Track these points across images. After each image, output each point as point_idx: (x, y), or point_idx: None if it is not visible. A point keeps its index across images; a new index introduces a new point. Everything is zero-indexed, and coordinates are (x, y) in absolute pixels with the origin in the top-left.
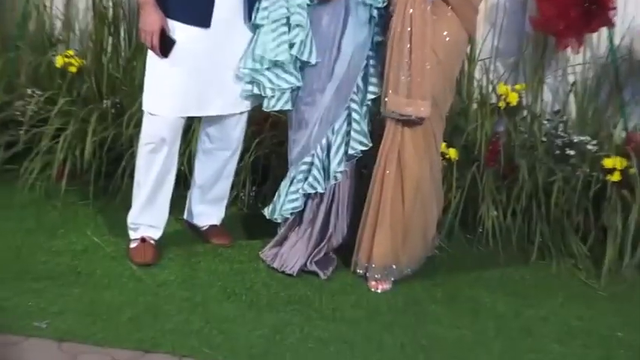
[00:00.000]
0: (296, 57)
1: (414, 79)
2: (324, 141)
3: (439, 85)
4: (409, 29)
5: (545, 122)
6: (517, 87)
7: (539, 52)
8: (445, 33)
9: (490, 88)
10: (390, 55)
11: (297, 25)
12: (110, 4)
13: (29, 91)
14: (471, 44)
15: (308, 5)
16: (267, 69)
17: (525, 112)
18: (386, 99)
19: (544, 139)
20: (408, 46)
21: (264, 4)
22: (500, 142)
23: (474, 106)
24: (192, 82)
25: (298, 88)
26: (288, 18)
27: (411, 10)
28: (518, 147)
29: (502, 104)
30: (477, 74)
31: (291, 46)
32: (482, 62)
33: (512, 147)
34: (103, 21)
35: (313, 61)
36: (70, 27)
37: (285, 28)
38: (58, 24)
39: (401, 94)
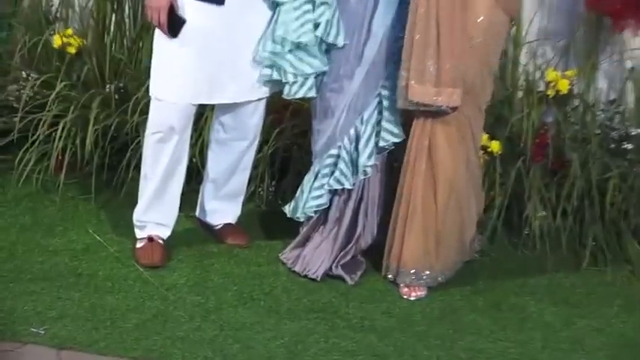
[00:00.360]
0: (321, 39)
1: (442, 65)
2: (352, 131)
3: (474, 71)
4: (435, 10)
5: (600, 112)
6: (568, 73)
7: (592, 34)
8: (478, 12)
9: (538, 75)
10: (412, 39)
11: (323, 3)
12: None
13: (24, 74)
14: (515, 25)
15: None
16: (289, 52)
17: (577, 101)
18: (406, 89)
19: (598, 131)
20: (435, 30)
21: None
22: (549, 134)
23: (520, 94)
24: (205, 65)
25: (323, 73)
26: None
27: (435, 12)
28: (568, 140)
29: (551, 92)
30: (522, 59)
31: (316, 26)
32: (529, 45)
33: (562, 140)
34: None
35: (340, 43)
36: (69, 3)
37: (309, 6)
38: (56, 0)
39: (428, 83)
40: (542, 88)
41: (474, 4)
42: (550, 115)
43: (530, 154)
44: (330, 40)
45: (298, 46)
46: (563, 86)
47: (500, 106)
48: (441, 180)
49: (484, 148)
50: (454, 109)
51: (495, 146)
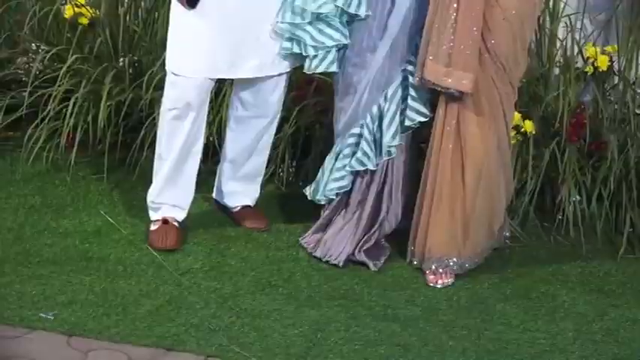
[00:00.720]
0: (342, 9)
1: (456, 45)
2: (375, 109)
3: (507, 44)
4: None
5: None
6: (608, 49)
7: (635, 8)
8: None
9: (575, 50)
10: (434, 12)
11: None
12: None
13: (34, 46)
14: None
15: None
16: (309, 23)
17: (617, 79)
18: (422, 65)
19: (638, 110)
20: (455, 5)
21: None
22: (586, 113)
23: (556, 70)
24: (223, 38)
25: (345, 46)
26: None
27: None
28: (607, 120)
29: (589, 69)
30: (560, 33)
31: None
32: (567, 19)
33: (599, 120)
34: None
35: (362, 14)
36: None
37: None
38: None
39: (441, 62)
40: (580, 64)
41: None
42: (588, 94)
43: (566, 134)
44: (352, 10)
45: (318, 17)
46: (603, 63)
47: (534, 84)
48: (470, 162)
49: (517, 127)
50: (462, 93)
51: (529, 126)
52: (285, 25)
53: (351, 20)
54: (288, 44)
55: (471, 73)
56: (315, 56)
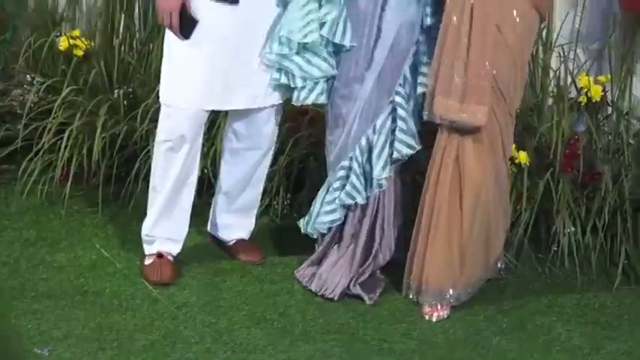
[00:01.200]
0: (327, 39)
1: (470, 80)
2: (364, 141)
3: (508, 73)
4: (469, 18)
5: (634, 121)
6: (601, 79)
7: (628, 37)
8: (515, 12)
9: (569, 80)
10: (442, 49)
11: (329, 1)
12: None
13: (28, 78)
14: (546, 26)
15: None
16: (297, 54)
17: (610, 109)
18: (431, 101)
19: (632, 141)
20: (466, 40)
21: None
22: (580, 144)
23: (550, 101)
24: (217, 68)
25: (334, 77)
26: None
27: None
28: (601, 150)
29: (583, 99)
30: (553, 63)
31: (322, 25)
32: (560, 49)
33: (593, 150)
34: None
35: (347, 43)
36: (77, 2)
37: (315, 4)
38: (63, 0)
39: (454, 97)
40: (573, 94)
41: (510, 2)
42: (581, 124)
43: (560, 165)
44: (336, 39)
45: (305, 47)
46: (596, 93)
47: (529, 114)
48: (468, 192)
49: (511, 159)
50: (477, 128)
51: (523, 157)
52: (273, 56)
53: (337, 51)
54: (277, 75)
55: (485, 106)
56: (303, 88)
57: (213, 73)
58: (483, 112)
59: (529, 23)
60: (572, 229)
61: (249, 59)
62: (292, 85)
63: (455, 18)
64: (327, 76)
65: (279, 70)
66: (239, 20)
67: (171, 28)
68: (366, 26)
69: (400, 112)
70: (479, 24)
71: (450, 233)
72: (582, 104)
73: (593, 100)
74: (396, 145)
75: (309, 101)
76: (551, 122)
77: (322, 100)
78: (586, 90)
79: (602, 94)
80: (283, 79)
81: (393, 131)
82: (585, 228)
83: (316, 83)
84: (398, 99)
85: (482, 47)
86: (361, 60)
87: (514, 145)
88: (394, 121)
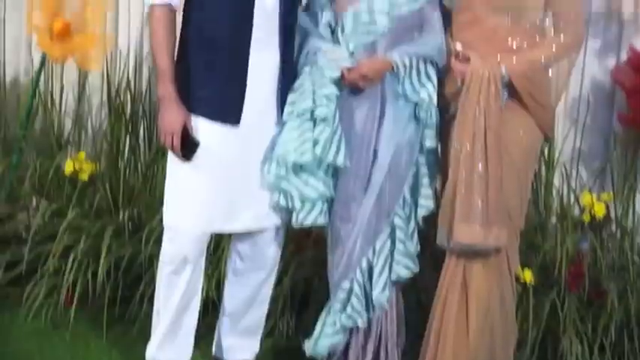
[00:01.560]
0: (322, 159)
1: (491, 204)
2: (364, 263)
3: (514, 193)
4: (483, 143)
5: (639, 238)
6: (604, 197)
7: (629, 154)
8: (521, 132)
9: (572, 198)
10: (456, 175)
11: (323, 120)
12: (128, 98)
13: (34, 202)
14: (549, 145)
15: (337, 96)
16: (294, 174)
17: (614, 227)
18: (449, 229)
19: (637, 258)
20: (481, 164)
21: (291, 98)
22: (585, 262)
23: (553, 219)
24: (219, 190)
25: (332, 198)
26: (312, 112)
27: (483, 120)
28: (606, 268)
29: (586, 217)
30: (556, 181)
31: (316, 144)
32: (563, 167)
33: (598, 268)
34: (119, 118)
35: (341, 163)
36: (82, 126)
37: (310, 124)
38: (68, 123)
39: (475, 221)
40: (577, 213)
41: (515, 123)
42: (586, 242)
43: (565, 284)
44: (330, 159)
45: (301, 168)
46: (600, 211)
47: (533, 233)
48: (475, 312)
49: (516, 278)
50: (496, 250)
51: (528, 276)
52: (272, 178)
53: (335, 172)
54: (276, 197)
55: (506, 228)
56: (301, 209)
57: (215, 195)
58: (504, 233)
59: (533, 140)
60: (579, 348)
61: (251, 180)
62: (290, 207)
63: (468, 144)
64: (324, 197)
65: (278, 191)
66: (240, 141)
67: (172, 149)
68: (363, 147)
69: (399, 234)
70: (494, 149)
71: (457, 355)
72: (586, 222)
73: (597, 219)
74: (395, 267)
75: (308, 223)
76: (555, 241)
77: (321, 221)
78: (589, 208)
79: (606, 212)
80: (282, 201)
81: (392, 252)
82: (592, 347)
83: (314, 204)
84: (397, 221)
85: (498, 171)
86: (359, 181)
87: (519, 265)
88: (393, 242)
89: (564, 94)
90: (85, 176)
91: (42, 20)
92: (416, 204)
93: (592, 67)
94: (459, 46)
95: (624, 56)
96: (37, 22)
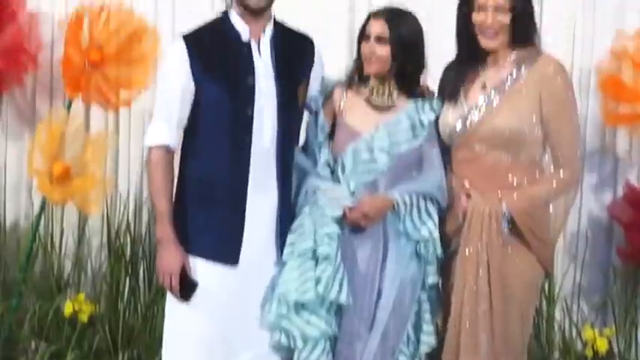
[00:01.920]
0: (324, 298)
1: (496, 336)
2: None
3: (517, 329)
4: (486, 279)
5: None
6: (606, 332)
7: (629, 289)
8: (522, 267)
9: (574, 333)
10: (460, 314)
11: (325, 258)
12: (128, 240)
13: (33, 345)
14: (549, 280)
15: (339, 235)
16: (295, 313)
17: None
18: None
19: None
20: (485, 299)
21: (290, 238)
22: None
23: (556, 354)
24: (218, 330)
25: (335, 337)
26: (314, 251)
27: (486, 256)
28: None
29: (589, 352)
30: (557, 316)
31: (318, 283)
32: (564, 302)
33: None
34: (119, 260)
35: (344, 301)
36: (82, 267)
37: (312, 263)
38: (68, 265)
39: (481, 356)
40: (579, 347)
41: (516, 258)
42: None
43: None
44: (332, 297)
45: (303, 307)
46: (602, 345)
47: None
48: None
49: None
50: None
51: None
52: (272, 317)
53: (337, 310)
54: (277, 336)
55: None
56: (303, 348)
57: (214, 336)
58: None
59: (534, 276)
60: None
61: (250, 320)
62: (292, 347)
63: (471, 280)
64: (327, 335)
65: (279, 330)
66: (239, 280)
67: (171, 290)
68: (367, 287)
69: None
70: (497, 285)
71: None
72: (589, 357)
73: (600, 353)
74: None
75: None
76: None
77: None
78: (592, 343)
79: (608, 346)
80: (284, 340)
81: None
82: None
83: (317, 343)
84: (402, 359)
85: (502, 306)
86: (363, 320)
87: None
88: None
89: (563, 230)
90: (84, 317)
91: (42, 164)
92: (418, 340)
93: (589, 202)
94: (467, 183)
95: (620, 191)
96: (37, 166)
